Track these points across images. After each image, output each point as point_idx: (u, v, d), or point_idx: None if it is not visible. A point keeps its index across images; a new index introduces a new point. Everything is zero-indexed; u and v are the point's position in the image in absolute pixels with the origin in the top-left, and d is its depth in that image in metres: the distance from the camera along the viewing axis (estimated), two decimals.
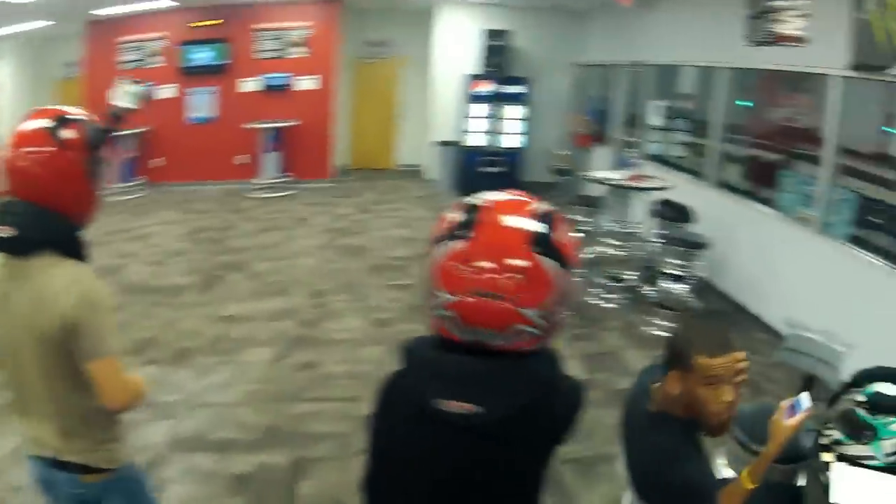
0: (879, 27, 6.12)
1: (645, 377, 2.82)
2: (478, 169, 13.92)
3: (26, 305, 2.35)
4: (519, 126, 14.17)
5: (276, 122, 14.26)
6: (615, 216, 9.41)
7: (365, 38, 16.28)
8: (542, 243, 1.67)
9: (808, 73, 7.45)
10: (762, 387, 6.25)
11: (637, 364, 6.74)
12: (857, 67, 6.52)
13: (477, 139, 14.07)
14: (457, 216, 1.73)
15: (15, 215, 2.35)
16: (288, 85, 14.76)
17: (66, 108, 2.50)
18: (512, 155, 14.17)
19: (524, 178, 14.15)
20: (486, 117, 13.99)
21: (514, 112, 14.04)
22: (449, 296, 1.66)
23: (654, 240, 8.51)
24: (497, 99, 13.89)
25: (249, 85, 14.73)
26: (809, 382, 4.44)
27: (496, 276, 1.63)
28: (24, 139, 2.38)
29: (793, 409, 2.66)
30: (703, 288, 8.45)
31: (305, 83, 14.84)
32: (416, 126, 16.26)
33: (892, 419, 2.83)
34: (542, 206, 1.80)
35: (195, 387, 5.97)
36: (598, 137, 13.45)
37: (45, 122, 2.41)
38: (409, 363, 1.81)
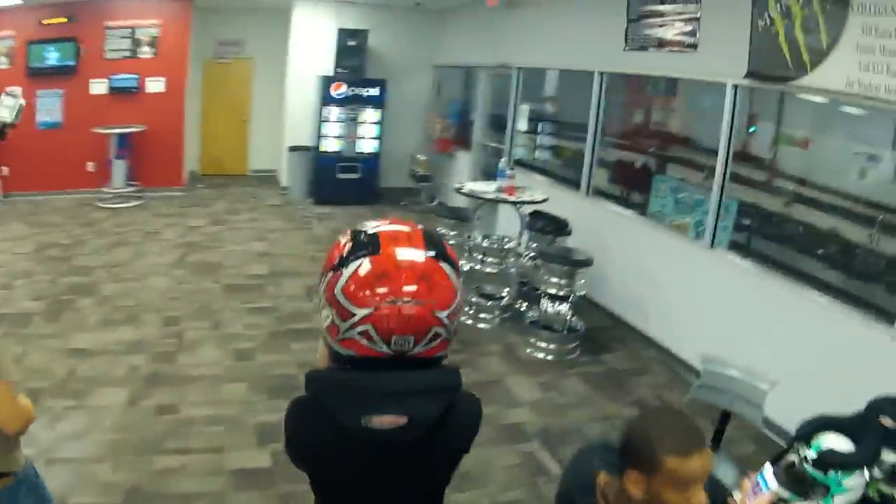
0: (782, 35, 6.00)
1: (582, 467, 2.36)
2: (334, 175, 13.66)
3: None
4: (375, 130, 13.85)
5: (124, 127, 13.54)
6: (484, 229, 9.21)
7: (217, 37, 15.70)
8: (440, 251, 1.85)
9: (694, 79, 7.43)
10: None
11: (524, 393, 6.60)
12: (755, 76, 6.43)
13: (332, 144, 13.75)
14: (352, 239, 1.86)
15: None
16: (136, 87, 14.04)
17: None
18: (369, 160, 13.86)
19: (382, 184, 14.01)
20: (342, 121, 13.64)
21: (370, 115, 13.69)
22: (363, 310, 1.75)
23: (529, 254, 8.35)
24: (353, 102, 13.55)
25: (98, 87, 13.97)
26: (726, 420, 4.31)
27: (409, 282, 1.76)
28: None
29: (757, 486, 2.44)
30: (583, 304, 8.30)
31: (154, 85, 14.14)
32: (269, 130, 15.84)
33: (844, 475, 2.57)
34: (425, 226, 1.96)
35: (47, 438, 5.38)
36: (461, 142, 13.31)
37: None
38: (323, 388, 1.87)
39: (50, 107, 13.54)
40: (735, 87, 6.73)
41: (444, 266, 1.84)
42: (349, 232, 1.91)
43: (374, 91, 13.67)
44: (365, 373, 1.82)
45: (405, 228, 1.91)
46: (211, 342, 7.46)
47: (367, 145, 13.88)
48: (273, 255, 10.50)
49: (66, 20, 13.32)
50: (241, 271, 9.79)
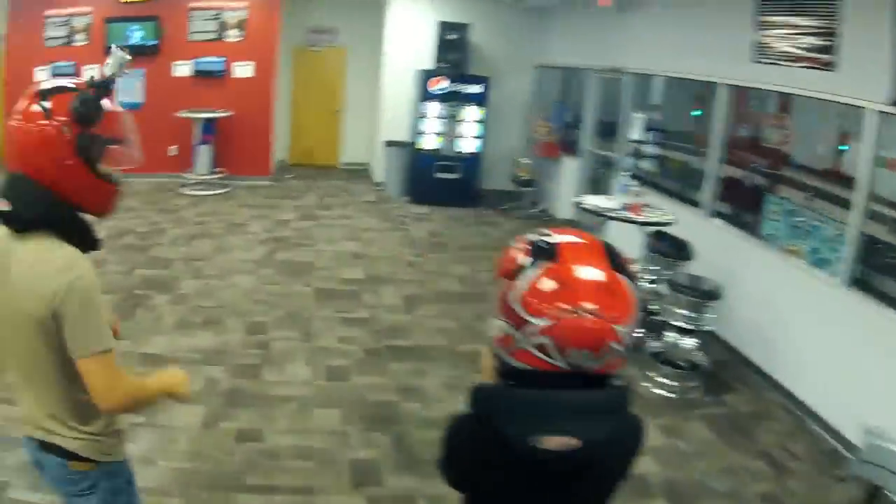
0: None
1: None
2: (432, 174, 12.84)
3: (20, 284, 2.25)
4: (477, 129, 12.98)
5: (209, 112, 12.99)
6: None
7: (309, 24, 15.15)
8: (620, 265, 1.75)
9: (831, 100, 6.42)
10: (784, 464, 5.54)
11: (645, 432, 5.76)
12: None
13: (431, 141, 12.92)
14: (529, 247, 1.76)
15: (12, 189, 2.27)
16: (223, 71, 13.48)
17: (64, 80, 2.37)
18: (469, 161, 13.02)
19: (481, 186, 13.17)
20: (442, 118, 12.79)
21: (471, 113, 12.83)
22: (541, 321, 1.65)
23: (649, 278, 7.40)
24: (453, 98, 12.70)
25: (182, 69, 13.44)
26: (872, 498, 3.88)
27: (591, 294, 1.65)
28: (18, 110, 2.24)
29: None
30: (705, 337, 7.24)
31: (242, 70, 13.56)
32: (362, 122, 15.29)
33: None
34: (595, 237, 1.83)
35: None
36: (566, 147, 12.43)
37: (36, 92, 2.27)
38: (491, 404, 1.75)
39: (130, 86, 12.90)
40: (880, 112, 5.75)
41: (624, 280, 1.73)
42: (526, 239, 1.82)
43: (477, 88, 12.81)
44: (537, 389, 1.71)
45: (584, 239, 1.81)
46: (300, 356, 6.68)
47: (467, 144, 13.05)
48: (368, 257, 9.74)
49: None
50: (333, 274, 9.00)
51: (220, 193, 12.78)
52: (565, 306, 1.63)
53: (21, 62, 12.73)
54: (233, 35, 13.40)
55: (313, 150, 15.97)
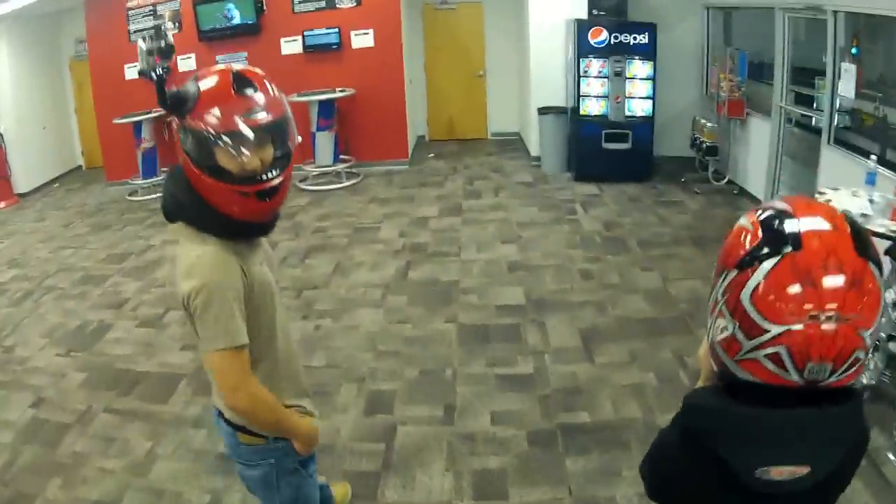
0: None
1: None
2: (599, 145, 10.45)
3: (173, 280, 2.57)
4: (648, 88, 10.39)
5: (326, 93, 11.07)
6: None
7: None
8: (870, 251, 1.37)
9: None
10: None
11: None
12: None
13: (594, 105, 10.45)
14: (764, 227, 1.41)
15: (166, 179, 2.43)
16: (338, 43, 11.56)
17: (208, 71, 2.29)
18: (641, 126, 10.46)
19: (656, 154, 10.72)
20: (604, 77, 10.33)
21: (640, 69, 10.30)
22: (779, 327, 1.34)
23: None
24: (616, 51, 10.22)
25: (290, 46, 11.66)
26: None
27: (841, 293, 1.32)
28: None
29: None
30: None
31: (361, 39, 11.61)
32: (510, 86, 13.43)
33: None
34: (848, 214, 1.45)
35: None
36: (752, 105, 9.73)
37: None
38: (712, 422, 1.50)
39: None
40: None
41: (874, 271, 1.35)
42: (757, 216, 1.44)
43: (643, 38, 10.26)
44: (763, 408, 1.41)
45: (830, 221, 1.37)
46: (438, 454, 4.53)
47: (637, 106, 10.43)
48: (529, 267, 7.49)
49: None
50: (484, 299, 6.77)
51: (346, 186, 11.02)
52: (809, 309, 1.30)
53: (107, 62, 11.90)
54: (346, 0, 11.31)
55: (455, 123, 14.09)
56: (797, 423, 1.41)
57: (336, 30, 11.42)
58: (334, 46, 11.48)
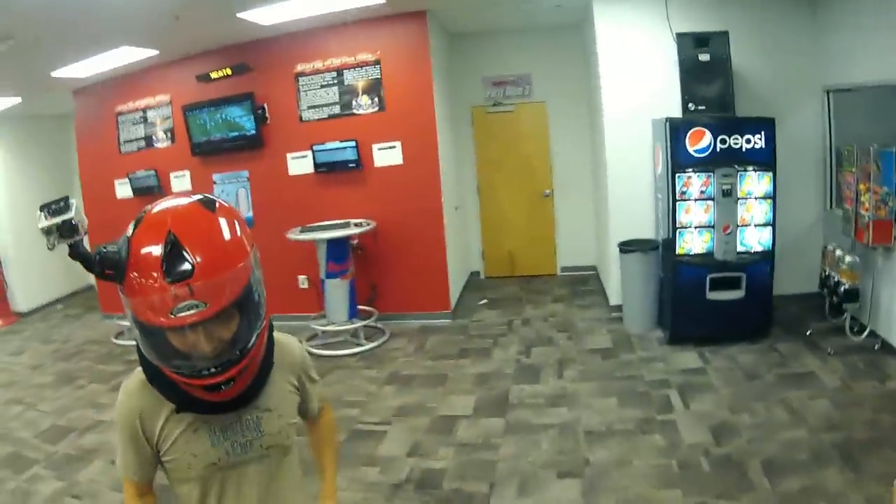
0: None
1: None
2: (702, 294, 7.46)
3: None
4: (767, 210, 7.41)
5: (337, 228, 8.48)
6: None
7: (485, 73, 10.64)
8: None
9: None
10: None
11: None
12: None
13: (696, 240, 7.50)
14: None
15: None
16: (356, 161, 8.98)
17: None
18: (758, 266, 7.44)
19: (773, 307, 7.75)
20: (708, 198, 7.40)
21: (757, 185, 7.35)
22: None
23: None
24: (723, 161, 7.29)
25: (299, 165, 9.30)
26: None
27: None
28: None
29: None
30: None
31: (385, 155, 9.02)
32: (584, 207, 10.86)
33: None
34: None
35: None
36: None
37: None
38: None
39: (230, 198, 9.60)
40: None
41: None
42: None
43: (758, 140, 7.33)
44: None
45: None
46: None
47: (753, 238, 7.50)
48: None
49: (229, 73, 9.31)
50: None
51: (364, 352, 8.33)
52: None
53: (98, 177, 10.73)
54: (364, 105, 8.85)
55: (517, 256, 11.29)
56: None
57: (353, 143, 8.83)
58: (352, 165, 8.90)
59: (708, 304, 7.42)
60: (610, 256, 8.77)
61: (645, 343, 7.84)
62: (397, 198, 8.91)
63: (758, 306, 7.48)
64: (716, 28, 7.72)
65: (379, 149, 8.90)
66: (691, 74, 7.62)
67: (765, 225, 7.41)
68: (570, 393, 6.68)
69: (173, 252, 1.73)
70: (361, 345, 8.39)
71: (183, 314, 1.72)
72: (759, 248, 7.42)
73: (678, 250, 7.50)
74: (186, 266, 1.72)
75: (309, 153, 9.00)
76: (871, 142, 6.72)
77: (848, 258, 7.09)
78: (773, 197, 7.33)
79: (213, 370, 1.84)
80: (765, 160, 7.28)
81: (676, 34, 7.83)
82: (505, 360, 7.74)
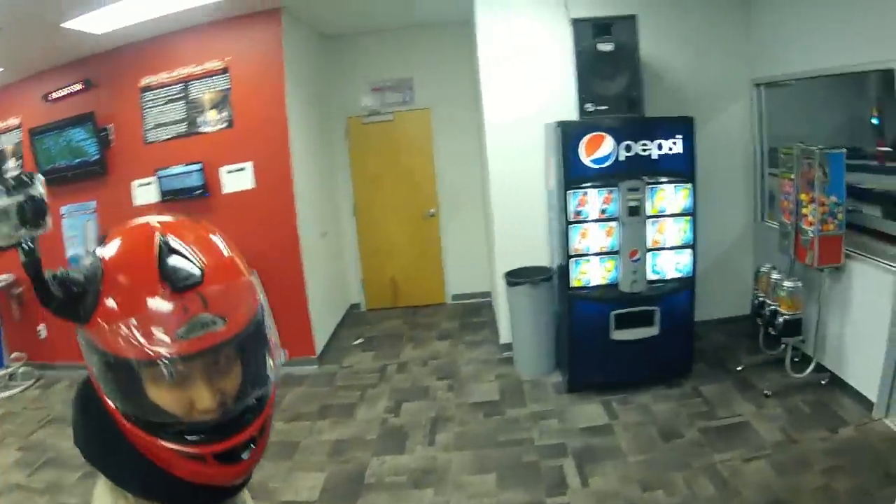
0: None
1: None
2: (605, 334, 6.20)
3: None
4: (686, 230, 6.20)
5: None
6: None
7: (361, 77, 9.48)
8: None
9: None
10: None
11: None
12: None
13: (595, 270, 6.22)
14: None
15: None
16: (201, 186, 7.60)
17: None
18: (673, 297, 6.21)
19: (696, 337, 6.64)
20: (610, 218, 6.13)
21: (672, 200, 6.12)
22: None
23: None
24: (629, 172, 6.02)
25: (146, 193, 7.90)
26: None
27: None
28: None
29: None
30: None
31: (233, 179, 7.65)
32: (473, 228, 9.61)
33: None
34: None
35: None
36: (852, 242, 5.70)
37: None
38: None
39: (78, 231, 8.23)
40: None
41: None
42: None
43: (673, 144, 6.12)
44: None
45: None
46: None
47: (669, 263, 6.28)
48: None
49: (81, 86, 8.00)
50: None
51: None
52: None
53: None
54: (212, 121, 7.49)
55: (401, 284, 10.05)
56: None
57: (199, 166, 7.48)
58: (198, 192, 7.53)
59: (613, 344, 6.20)
60: (498, 287, 7.55)
61: (538, 392, 6.56)
62: (249, 228, 7.52)
63: (676, 344, 6.31)
64: (621, 12, 6.53)
65: (228, 172, 7.56)
66: (590, 68, 6.31)
67: (682, 247, 6.22)
68: (441, 467, 5.38)
69: (171, 254, 1.20)
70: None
71: (198, 333, 1.16)
72: (675, 275, 6.24)
73: (573, 283, 6.21)
74: (193, 269, 1.20)
75: (155, 179, 7.65)
76: (809, 143, 5.62)
77: (787, 283, 5.98)
78: (692, 213, 6.16)
79: (229, 429, 1.24)
80: (681, 169, 6.10)
81: (572, 20, 6.53)
82: (369, 420, 6.40)
